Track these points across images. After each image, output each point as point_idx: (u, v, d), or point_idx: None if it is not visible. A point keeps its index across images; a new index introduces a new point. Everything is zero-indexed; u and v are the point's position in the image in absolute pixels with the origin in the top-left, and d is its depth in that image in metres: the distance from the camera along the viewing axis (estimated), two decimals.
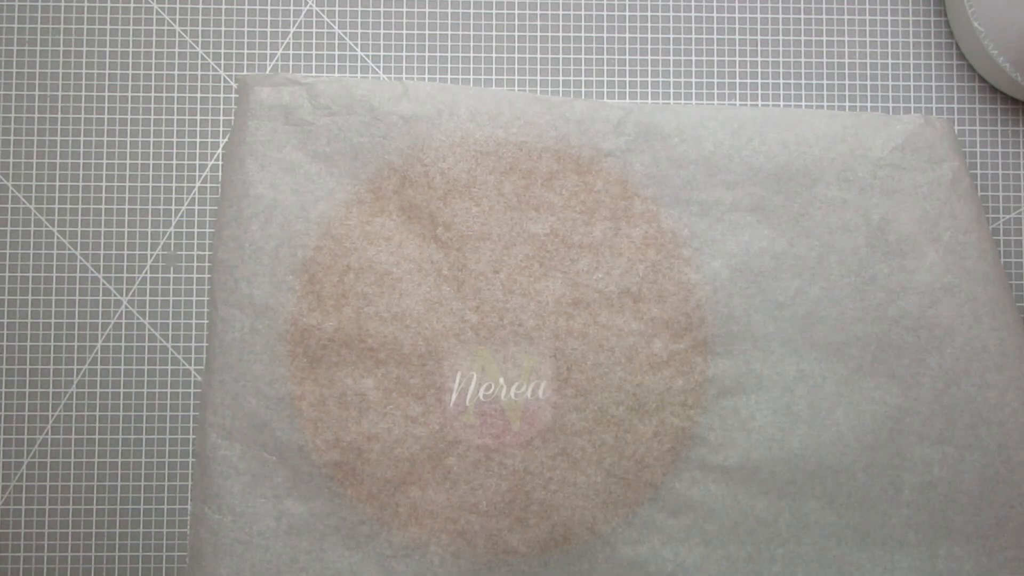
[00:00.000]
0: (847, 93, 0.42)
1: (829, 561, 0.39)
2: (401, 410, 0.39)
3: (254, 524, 0.39)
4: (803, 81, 0.42)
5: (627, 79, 0.42)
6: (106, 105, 0.41)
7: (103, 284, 0.41)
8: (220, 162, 0.41)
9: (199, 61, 0.41)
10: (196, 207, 0.41)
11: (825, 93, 0.42)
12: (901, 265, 0.39)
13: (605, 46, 0.42)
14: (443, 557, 0.39)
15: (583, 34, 0.42)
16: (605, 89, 0.42)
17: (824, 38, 0.42)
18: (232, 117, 0.41)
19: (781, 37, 0.42)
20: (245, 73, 0.41)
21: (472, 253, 0.39)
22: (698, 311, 0.39)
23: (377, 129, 0.39)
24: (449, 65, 0.42)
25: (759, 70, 0.42)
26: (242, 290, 0.39)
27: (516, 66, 0.42)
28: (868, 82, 0.42)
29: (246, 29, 0.42)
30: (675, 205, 0.39)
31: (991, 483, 0.39)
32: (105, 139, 0.41)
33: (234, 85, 0.41)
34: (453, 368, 0.39)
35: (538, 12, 0.42)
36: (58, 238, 0.41)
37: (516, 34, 0.42)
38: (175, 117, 0.41)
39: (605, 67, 0.42)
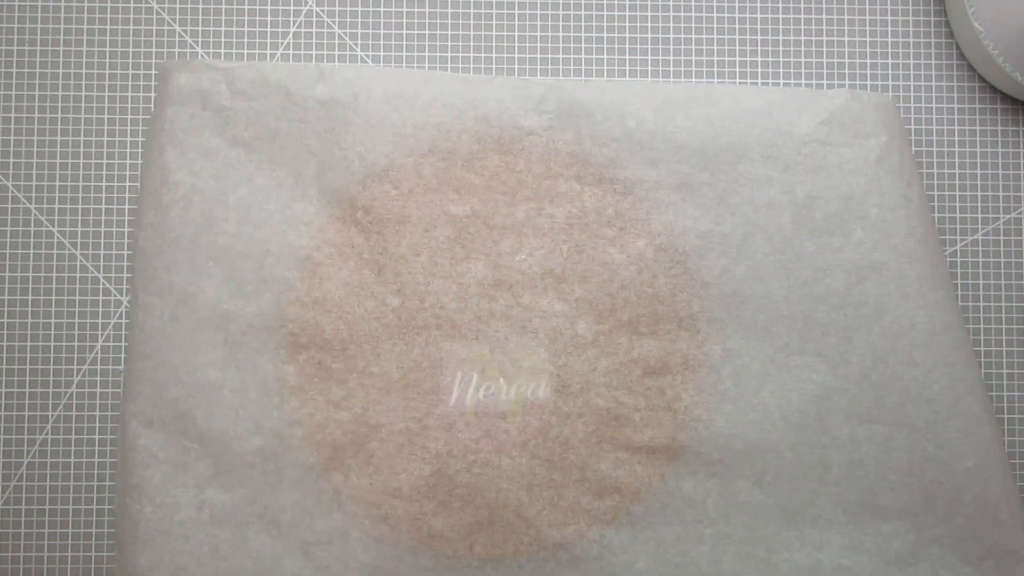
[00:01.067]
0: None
1: (758, 541, 0.39)
2: (323, 395, 0.39)
3: (175, 514, 0.39)
4: (803, 81, 0.42)
5: (627, 80, 0.42)
6: (106, 105, 0.41)
7: (103, 284, 0.41)
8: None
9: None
10: None
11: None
12: (827, 243, 0.39)
13: (605, 46, 0.42)
14: (366, 543, 0.39)
15: (583, 33, 0.42)
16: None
17: (824, 38, 0.42)
18: (153, 105, 0.41)
19: (781, 37, 0.42)
20: (166, 60, 0.41)
21: (392, 236, 0.39)
22: (622, 291, 0.39)
23: (294, 113, 0.39)
24: (449, 65, 0.42)
25: (758, 70, 0.42)
26: (162, 278, 0.39)
27: (516, 67, 0.42)
28: (868, 82, 0.42)
29: (246, 29, 0.42)
30: (598, 184, 0.39)
31: (919, 461, 0.39)
32: (105, 139, 0.41)
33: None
34: (376, 351, 0.39)
35: (538, 12, 0.42)
36: (58, 238, 0.41)
37: (516, 34, 0.42)
38: None
39: (604, 67, 0.42)
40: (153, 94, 0.40)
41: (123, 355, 0.41)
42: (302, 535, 0.39)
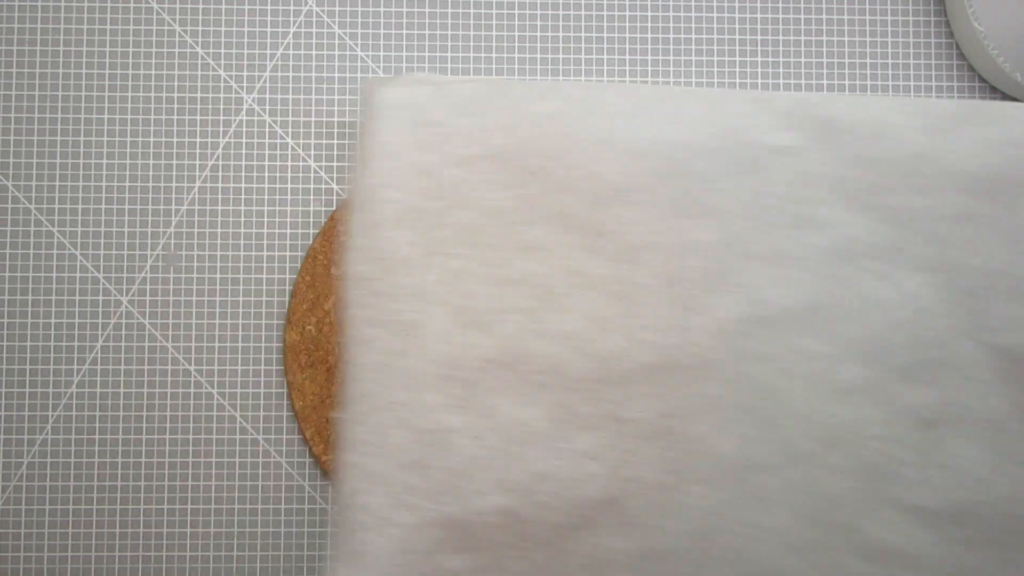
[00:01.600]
0: (847, 92, 0.42)
1: None
2: (571, 444, 0.34)
3: None
4: (803, 81, 0.42)
5: (627, 80, 0.42)
6: (106, 105, 0.41)
7: (103, 284, 0.41)
8: (353, 165, 0.41)
9: (199, 61, 0.41)
10: (196, 207, 0.41)
11: (825, 92, 0.42)
12: None
13: (605, 46, 0.42)
14: None
15: (583, 34, 0.42)
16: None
17: (824, 38, 0.42)
18: (360, 121, 0.37)
19: (781, 38, 0.42)
20: (372, 75, 0.38)
21: (639, 266, 0.34)
22: (895, 333, 0.34)
23: (516, 131, 0.35)
24: (449, 65, 0.42)
25: (758, 70, 0.42)
26: (384, 306, 0.34)
27: (516, 67, 0.42)
28: (868, 82, 0.42)
29: (246, 29, 0.42)
30: (863, 211, 0.34)
31: None
32: (105, 139, 0.41)
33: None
34: (627, 395, 0.34)
35: (538, 12, 0.42)
36: (58, 238, 0.41)
37: (516, 34, 0.42)
38: (175, 117, 0.41)
39: (604, 67, 0.42)
40: (359, 109, 0.38)
41: (123, 355, 0.41)
42: None
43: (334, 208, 0.41)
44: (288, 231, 0.41)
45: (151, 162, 0.41)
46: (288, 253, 0.41)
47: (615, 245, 0.34)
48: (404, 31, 0.42)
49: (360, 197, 0.34)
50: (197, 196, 0.41)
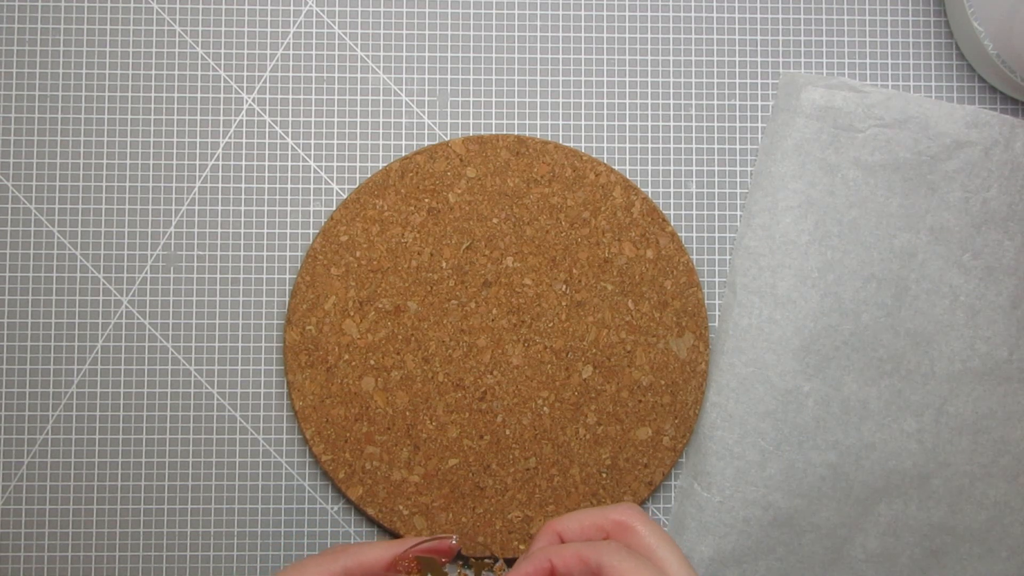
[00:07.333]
0: None
1: None
2: (898, 423, 0.39)
3: (741, 510, 0.39)
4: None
5: (628, 79, 0.42)
6: (106, 105, 0.41)
7: (103, 284, 0.41)
8: (754, 152, 0.41)
9: (199, 61, 0.41)
10: (196, 207, 0.41)
11: None
12: None
13: (605, 46, 0.42)
14: (912, 570, 0.40)
15: (583, 34, 0.42)
16: (605, 89, 0.42)
17: (824, 38, 0.42)
18: (771, 111, 0.41)
19: (781, 37, 0.42)
20: (792, 71, 0.41)
21: (993, 285, 0.39)
22: None
23: (926, 148, 0.39)
24: (449, 65, 0.42)
25: (758, 70, 0.42)
26: (765, 279, 0.39)
27: (516, 67, 0.42)
28: (868, 82, 0.42)
29: (246, 29, 0.42)
30: None
31: None
32: (105, 139, 0.41)
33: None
34: (953, 391, 0.39)
35: (538, 12, 0.42)
36: (58, 238, 0.41)
37: (516, 35, 0.42)
38: (175, 117, 0.41)
39: (604, 67, 0.42)
40: (771, 100, 0.41)
41: (123, 355, 0.41)
42: (853, 552, 0.40)
43: (334, 208, 0.41)
44: (288, 231, 0.41)
45: (151, 162, 0.41)
46: (288, 253, 0.41)
47: (981, 264, 0.39)
48: (404, 31, 0.42)
49: (764, 181, 0.39)
50: (197, 196, 0.41)
